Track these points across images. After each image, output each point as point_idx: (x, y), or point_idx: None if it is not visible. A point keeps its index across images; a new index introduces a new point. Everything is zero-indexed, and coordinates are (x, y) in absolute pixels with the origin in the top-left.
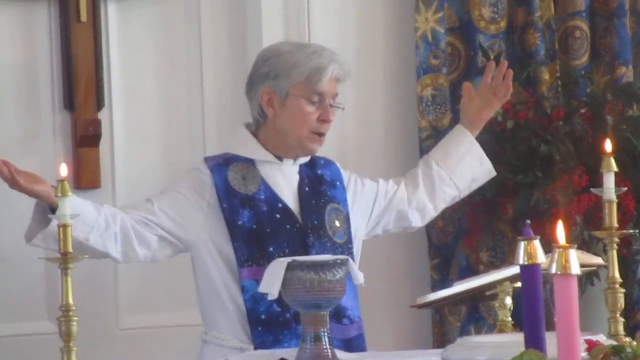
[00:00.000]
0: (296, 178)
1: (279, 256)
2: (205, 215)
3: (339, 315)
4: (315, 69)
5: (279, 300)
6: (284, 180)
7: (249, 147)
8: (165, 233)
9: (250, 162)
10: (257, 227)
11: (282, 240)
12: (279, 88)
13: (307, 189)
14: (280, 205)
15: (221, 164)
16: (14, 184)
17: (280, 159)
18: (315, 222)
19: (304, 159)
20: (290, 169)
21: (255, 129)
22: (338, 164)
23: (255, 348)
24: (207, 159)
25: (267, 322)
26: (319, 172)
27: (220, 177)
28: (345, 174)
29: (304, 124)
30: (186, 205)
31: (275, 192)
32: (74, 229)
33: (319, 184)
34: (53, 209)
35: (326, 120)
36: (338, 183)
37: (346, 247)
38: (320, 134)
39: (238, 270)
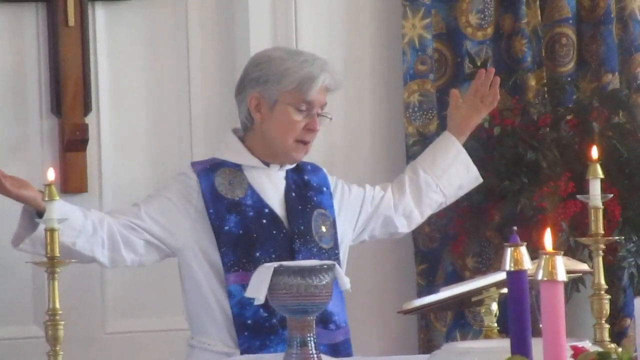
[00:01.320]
0: (283, 183)
1: (266, 261)
2: (192, 221)
3: (325, 320)
4: (306, 78)
5: (266, 306)
6: (271, 186)
7: (236, 153)
8: (152, 238)
9: (237, 168)
10: (244, 233)
11: (269, 245)
12: (268, 94)
13: (293, 194)
14: (266, 210)
15: (208, 169)
16: (1, 188)
17: (267, 164)
18: (302, 228)
19: (291, 165)
20: (277, 174)
21: (243, 134)
22: (325, 170)
23: (242, 353)
24: (194, 164)
25: (254, 328)
26: (306, 177)
27: (207, 182)
28: (332, 180)
29: (290, 131)
30: (173, 211)
31: (262, 198)
32: (61, 234)
33: (306, 189)
34: (40, 214)
35: (312, 129)
36: (325, 189)
37: (332, 253)
38: (305, 143)
39: (225, 275)
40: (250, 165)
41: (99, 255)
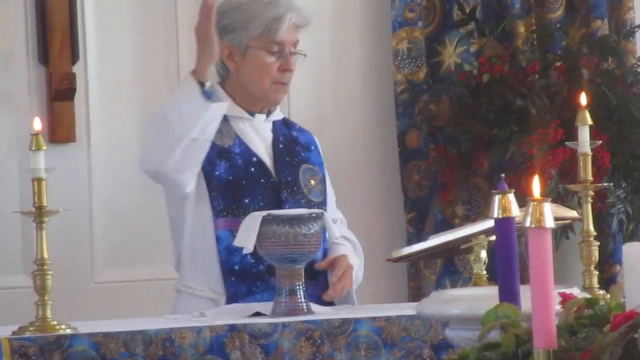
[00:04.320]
0: (270, 135)
1: (255, 209)
2: None
3: (313, 272)
4: (273, 19)
5: (254, 252)
6: (257, 136)
7: None
8: None
9: (223, 118)
10: (233, 179)
11: (257, 193)
12: (238, 41)
13: (281, 146)
14: (254, 159)
15: None
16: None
17: (252, 114)
18: (289, 179)
19: (277, 116)
20: (263, 126)
21: (222, 84)
22: (315, 138)
23: (228, 298)
24: None
25: (241, 273)
26: (294, 134)
27: None
28: (321, 152)
29: (265, 75)
30: None
31: (249, 147)
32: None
33: (294, 144)
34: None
35: (287, 69)
36: (313, 147)
37: (322, 207)
38: (284, 83)
39: (213, 220)
40: (236, 116)
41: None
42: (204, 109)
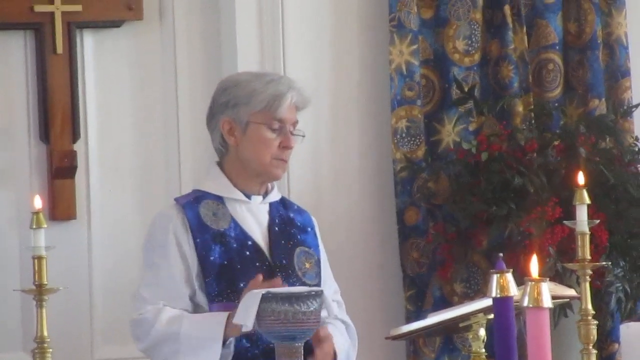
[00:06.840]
0: (266, 217)
1: None
2: (190, 257)
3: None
4: (274, 96)
5: (248, 336)
6: (253, 219)
7: (217, 185)
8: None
9: (219, 200)
10: (228, 264)
11: (252, 277)
12: (239, 117)
13: (276, 228)
14: (249, 242)
15: (192, 202)
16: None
17: (248, 196)
18: (284, 262)
19: (274, 197)
20: (259, 208)
21: (220, 162)
22: (313, 219)
23: None
24: (177, 199)
25: (236, 357)
26: (291, 215)
27: (192, 213)
28: (318, 234)
29: (266, 150)
30: (181, 266)
31: (244, 230)
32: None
33: (290, 226)
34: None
35: (287, 146)
36: (309, 229)
37: None
38: (283, 160)
39: (209, 305)
40: (232, 198)
41: None
42: None
